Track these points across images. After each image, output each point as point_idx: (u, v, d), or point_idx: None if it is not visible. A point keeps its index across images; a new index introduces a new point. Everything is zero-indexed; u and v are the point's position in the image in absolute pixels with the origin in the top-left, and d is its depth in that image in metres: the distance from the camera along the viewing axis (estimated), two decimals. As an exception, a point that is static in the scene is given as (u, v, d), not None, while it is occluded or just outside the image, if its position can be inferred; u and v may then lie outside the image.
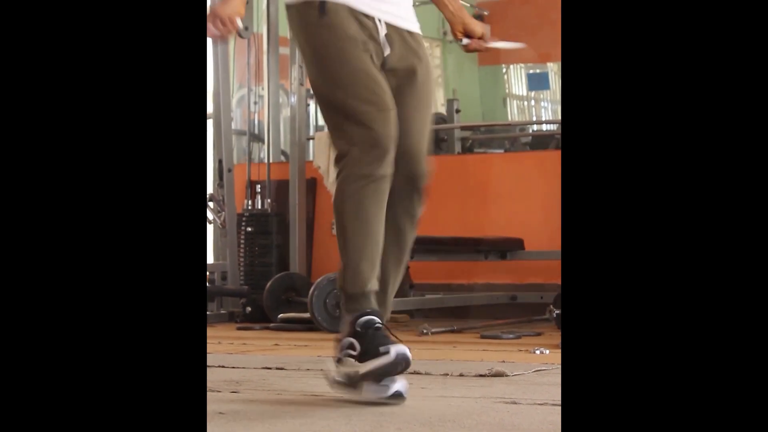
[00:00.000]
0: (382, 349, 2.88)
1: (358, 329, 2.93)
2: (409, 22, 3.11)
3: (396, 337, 2.98)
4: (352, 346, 2.93)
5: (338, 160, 2.99)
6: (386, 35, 3.04)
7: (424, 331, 5.38)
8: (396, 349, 2.88)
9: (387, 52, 3.04)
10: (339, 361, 2.97)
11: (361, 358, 2.91)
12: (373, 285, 2.98)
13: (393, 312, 6.01)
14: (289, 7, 3.07)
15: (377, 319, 2.95)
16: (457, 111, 7.85)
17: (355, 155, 2.92)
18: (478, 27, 3.25)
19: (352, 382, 2.93)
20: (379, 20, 3.03)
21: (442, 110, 8.16)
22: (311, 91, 7.39)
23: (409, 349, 2.93)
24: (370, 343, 2.90)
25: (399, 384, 2.92)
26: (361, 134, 2.92)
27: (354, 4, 3.00)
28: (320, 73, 3.01)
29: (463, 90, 8.60)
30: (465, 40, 3.26)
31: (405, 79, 3.07)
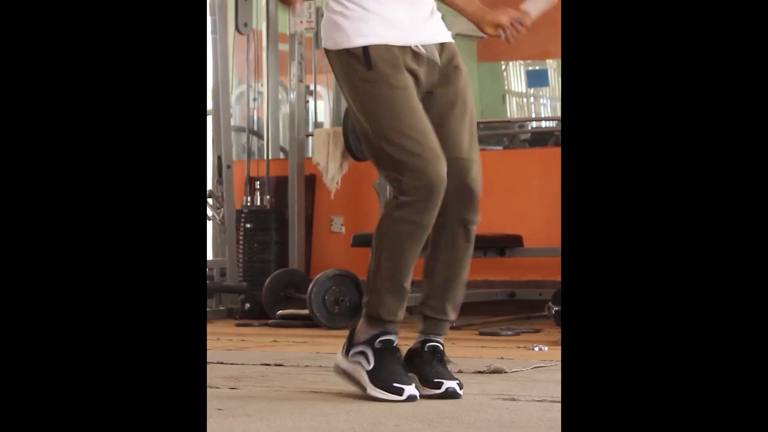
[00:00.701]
0: (396, 385, 2.92)
1: (377, 345, 2.98)
2: (441, 34, 3.09)
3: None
4: (365, 357, 2.99)
5: (393, 195, 3.00)
6: (424, 61, 3.03)
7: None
8: (408, 391, 2.92)
9: (425, 74, 3.02)
10: (347, 355, 3.01)
11: (372, 377, 2.96)
12: (398, 316, 3.03)
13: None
14: (329, 52, 3.06)
15: (395, 340, 3.00)
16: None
17: (407, 202, 2.94)
18: (503, 16, 3.17)
19: (357, 385, 2.99)
20: (417, 46, 3.02)
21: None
22: (310, 88, 7.44)
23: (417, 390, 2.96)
24: (385, 370, 2.95)
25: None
26: (411, 184, 2.93)
27: (392, 41, 2.99)
28: (370, 126, 3.00)
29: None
30: (501, 34, 3.19)
31: (446, 95, 3.06)
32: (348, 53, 3.00)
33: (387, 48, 2.99)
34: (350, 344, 3.03)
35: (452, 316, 3.16)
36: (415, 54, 3.02)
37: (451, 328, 5.41)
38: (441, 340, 3.11)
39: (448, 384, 2.99)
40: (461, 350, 4.43)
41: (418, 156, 2.94)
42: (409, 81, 3.00)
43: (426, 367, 3.03)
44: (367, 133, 3.02)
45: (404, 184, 2.94)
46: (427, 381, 3.00)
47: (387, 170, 3.00)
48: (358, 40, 2.99)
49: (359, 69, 2.99)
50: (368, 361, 2.97)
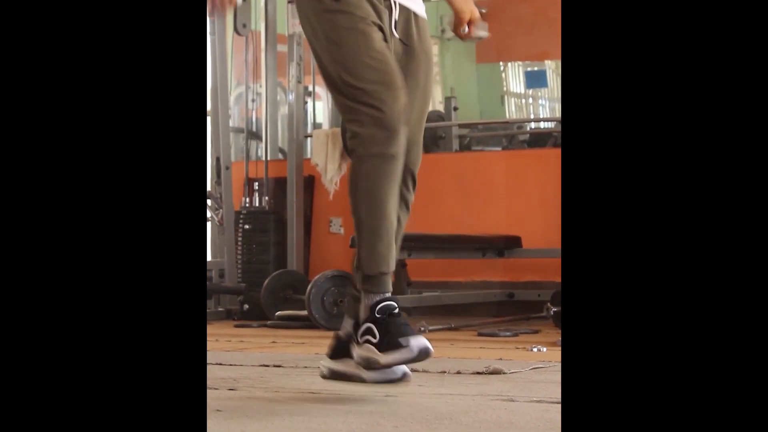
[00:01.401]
0: (402, 341, 2.88)
1: (377, 315, 2.93)
2: (417, 4, 3.10)
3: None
4: (371, 332, 2.93)
5: (352, 142, 2.98)
6: (397, 15, 3.03)
7: (422, 328, 5.38)
8: (416, 342, 2.88)
9: (396, 35, 3.04)
10: (358, 343, 2.97)
11: (381, 347, 2.90)
12: (391, 266, 2.97)
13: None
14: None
15: (394, 304, 2.95)
16: (455, 109, 7.85)
17: (367, 135, 2.91)
18: (476, 11, 3.24)
19: (372, 367, 2.94)
20: (394, 2, 3.03)
21: (440, 108, 8.16)
22: (309, 89, 7.44)
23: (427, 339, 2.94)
24: (389, 333, 2.90)
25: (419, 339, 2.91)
26: (371, 114, 2.91)
27: None
28: (330, 57, 2.99)
29: (461, 88, 8.60)
30: (466, 29, 3.24)
31: (406, 66, 3.06)
32: None
33: None
34: (356, 327, 2.97)
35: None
36: (387, 11, 3.01)
37: (450, 328, 5.47)
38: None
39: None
40: (460, 351, 4.44)
41: (380, 84, 2.91)
42: (374, 16, 2.99)
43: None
44: (327, 67, 3.00)
45: (364, 115, 2.91)
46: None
47: (347, 103, 2.96)
48: None
49: (327, 2, 2.98)
50: (374, 335, 2.91)
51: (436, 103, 8.33)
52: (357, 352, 2.98)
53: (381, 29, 3.02)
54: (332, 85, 3.01)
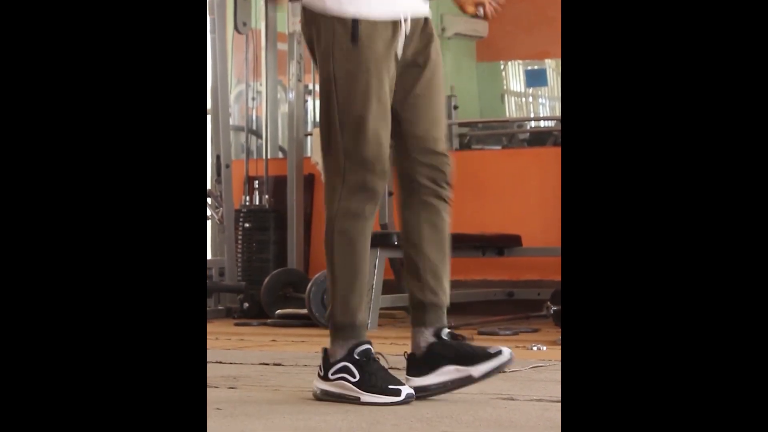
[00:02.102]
0: (392, 387, 2.87)
1: (356, 356, 2.93)
2: (423, 6, 3.06)
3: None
4: (348, 371, 2.92)
5: (329, 193, 3.00)
6: (408, 32, 2.99)
7: (451, 325, 5.36)
8: (405, 391, 2.87)
9: (401, 51, 2.99)
10: (326, 378, 2.95)
11: (363, 386, 2.90)
12: (364, 317, 3.00)
13: (391, 308, 6.03)
14: (315, 15, 2.99)
15: (372, 349, 2.96)
16: (455, 107, 7.84)
17: (346, 192, 2.96)
18: None
19: (346, 400, 2.91)
20: (405, 19, 2.98)
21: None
22: (309, 87, 7.43)
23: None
24: (374, 376, 2.89)
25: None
26: (355, 172, 2.93)
27: (384, 17, 2.95)
28: (336, 101, 2.95)
29: (461, 86, 8.60)
30: (480, 12, 3.20)
31: (424, 71, 3.04)
32: (338, 21, 2.94)
33: (377, 26, 2.93)
34: (327, 366, 2.96)
35: (444, 302, 3.12)
36: (399, 32, 2.96)
37: (450, 327, 5.45)
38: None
39: (499, 347, 2.99)
40: (460, 350, 4.43)
41: (369, 159, 2.92)
42: (391, 69, 2.96)
43: (460, 348, 3.01)
44: (328, 106, 2.96)
45: (348, 174, 2.93)
46: (476, 356, 2.97)
47: (335, 153, 2.96)
48: (349, 9, 2.93)
49: (343, 40, 2.93)
50: (353, 374, 2.91)
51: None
52: (323, 387, 2.95)
53: (391, 67, 2.96)
54: (327, 127, 2.97)
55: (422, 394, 2.94)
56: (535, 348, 4.38)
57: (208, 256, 6.95)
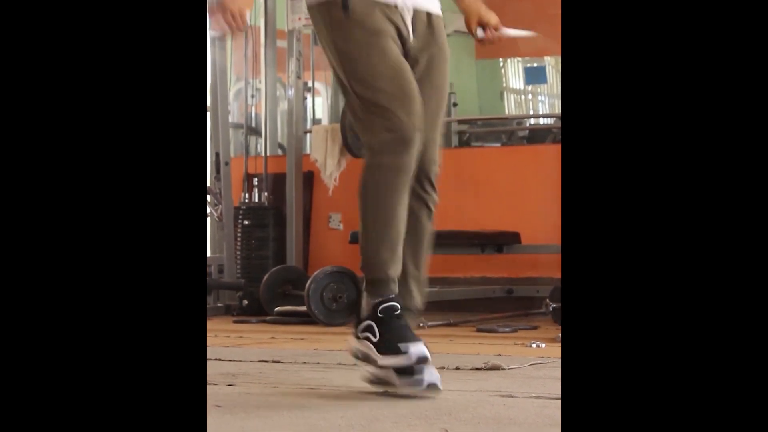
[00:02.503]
0: (401, 346, 2.89)
1: (380, 314, 2.94)
2: (432, 3, 3.09)
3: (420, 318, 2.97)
4: (371, 330, 2.95)
5: (364, 151, 3.01)
6: (412, 20, 3.03)
7: (420, 324, 5.37)
8: (415, 349, 2.89)
9: (412, 38, 3.03)
10: (358, 338, 2.98)
11: (380, 348, 2.92)
12: (395, 271, 2.99)
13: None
14: (310, 8, 3.06)
15: (398, 306, 2.96)
16: (455, 105, 7.84)
17: (379, 145, 2.94)
18: (492, 17, 3.24)
19: (371, 363, 2.94)
20: (404, 5, 3.02)
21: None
22: (308, 85, 7.43)
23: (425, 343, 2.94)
24: (389, 335, 2.91)
25: (431, 374, 2.91)
26: (384, 125, 2.93)
27: None
28: (344, 69, 3.01)
29: (461, 83, 8.60)
30: (480, 33, 3.24)
31: (424, 68, 3.06)
32: (328, 3, 3.00)
33: (369, 2, 2.98)
34: (358, 323, 2.99)
35: (420, 307, 3.13)
36: (399, 16, 3.01)
37: (449, 324, 5.46)
38: None
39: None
40: (459, 347, 4.44)
41: (395, 97, 2.93)
42: (388, 26, 2.99)
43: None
44: (342, 80, 3.01)
45: (377, 126, 2.93)
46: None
47: (360, 112, 2.98)
48: None
49: (337, 14, 2.98)
50: (374, 334, 2.94)
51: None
52: (356, 345, 2.99)
53: (397, 36, 3.01)
54: (346, 92, 3.03)
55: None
56: (534, 345, 4.38)
57: (208, 254, 6.95)
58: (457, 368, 3.57)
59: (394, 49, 2.99)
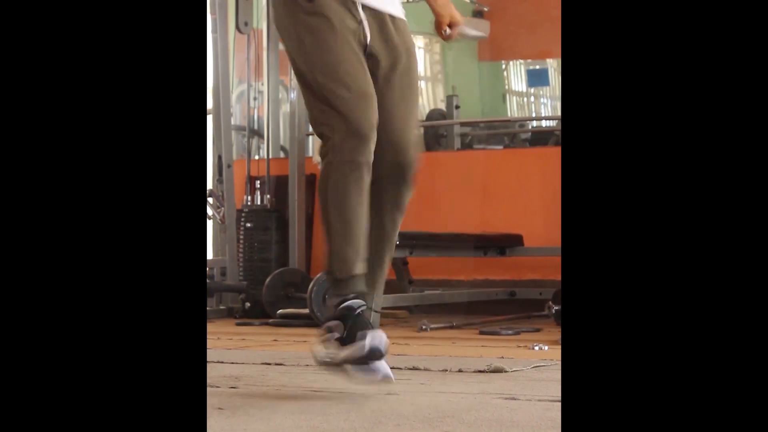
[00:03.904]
0: (359, 335, 2.94)
1: (340, 313, 2.99)
2: (391, 5, 3.12)
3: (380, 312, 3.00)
4: (338, 328, 2.99)
5: (322, 147, 3.03)
6: (367, 20, 3.06)
7: (423, 327, 5.38)
8: (371, 336, 2.92)
9: (368, 38, 3.06)
10: (324, 342, 3.02)
11: (342, 341, 2.97)
12: (360, 269, 3.03)
13: (392, 308, 6.03)
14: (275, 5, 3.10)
15: (360, 302, 3.01)
16: (457, 107, 7.84)
17: (337, 142, 2.97)
18: (457, 14, 3.29)
19: (335, 363, 2.99)
20: (360, 4, 3.05)
21: (442, 106, 8.15)
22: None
23: (387, 335, 2.98)
24: (350, 328, 2.96)
25: (385, 366, 2.95)
26: (341, 121, 2.96)
27: None
28: (303, 60, 3.03)
29: (463, 86, 8.60)
30: (447, 30, 3.30)
31: (388, 70, 3.09)
32: None
33: None
34: (324, 329, 3.04)
35: (377, 301, 3.20)
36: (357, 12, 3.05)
37: (452, 327, 5.46)
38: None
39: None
40: (462, 349, 4.43)
41: (351, 90, 2.96)
42: (350, 21, 3.02)
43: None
44: (300, 68, 3.04)
45: (336, 121, 2.96)
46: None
47: (320, 106, 2.99)
48: None
49: (302, 3, 3.01)
50: (339, 331, 2.98)
51: (438, 101, 8.32)
52: (319, 349, 3.03)
53: (354, 31, 3.04)
54: (306, 85, 3.05)
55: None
56: (536, 348, 4.38)
57: (210, 256, 6.95)
58: (460, 371, 3.57)
59: (354, 45, 3.02)
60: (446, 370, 3.59)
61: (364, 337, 2.93)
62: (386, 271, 3.22)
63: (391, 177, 3.08)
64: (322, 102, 2.99)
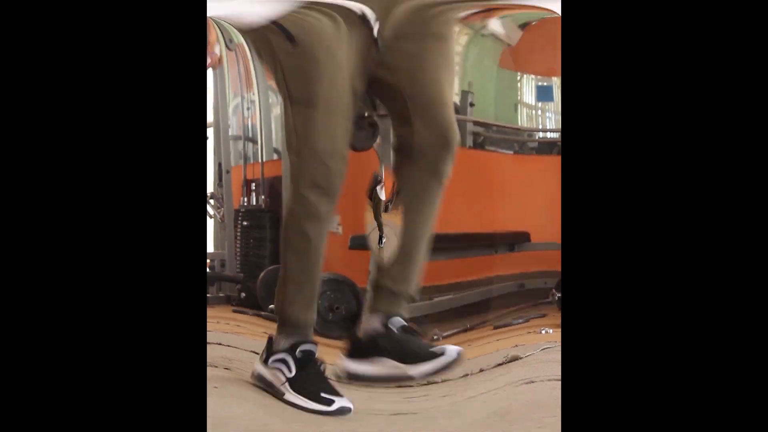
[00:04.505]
0: (324, 395, 2.77)
1: (298, 354, 2.84)
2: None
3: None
4: (286, 364, 2.84)
5: (292, 195, 2.92)
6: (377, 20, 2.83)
7: (435, 336, 5.33)
8: (339, 402, 2.76)
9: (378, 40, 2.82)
10: (266, 363, 2.88)
11: (293, 384, 2.81)
12: (310, 318, 2.90)
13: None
14: (249, 33, 2.91)
15: (315, 351, 2.86)
16: (471, 104, 7.85)
17: (307, 197, 2.85)
18: None
19: (274, 393, 2.84)
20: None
21: (456, 99, 8.16)
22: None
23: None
24: (309, 379, 2.81)
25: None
26: (314, 175, 2.83)
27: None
28: (288, 89, 2.83)
29: (480, 85, 8.63)
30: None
31: (407, 65, 2.87)
32: (269, 30, 2.77)
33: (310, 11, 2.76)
34: (269, 352, 2.89)
35: (414, 290, 3.03)
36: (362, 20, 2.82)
37: (465, 330, 5.44)
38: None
39: (444, 347, 2.84)
40: (478, 349, 4.40)
41: (328, 157, 2.81)
42: (338, 45, 2.75)
43: (404, 343, 2.85)
44: (285, 99, 2.83)
45: (306, 172, 2.81)
46: (419, 355, 2.82)
47: (293, 151, 2.86)
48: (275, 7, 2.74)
49: (282, 44, 2.75)
50: (289, 369, 2.82)
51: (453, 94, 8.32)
52: (261, 370, 2.87)
53: (360, 41, 2.80)
54: (286, 114, 2.83)
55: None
56: (543, 331, 4.40)
57: (211, 249, 7.13)
58: (481, 370, 3.53)
59: (343, 74, 2.78)
60: (467, 375, 3.52)
61: (331, 402, 2.76)
62: (420, 262, 3.09)
63: (434, 145, 2.94)
64: (298, 146, 2.86)
